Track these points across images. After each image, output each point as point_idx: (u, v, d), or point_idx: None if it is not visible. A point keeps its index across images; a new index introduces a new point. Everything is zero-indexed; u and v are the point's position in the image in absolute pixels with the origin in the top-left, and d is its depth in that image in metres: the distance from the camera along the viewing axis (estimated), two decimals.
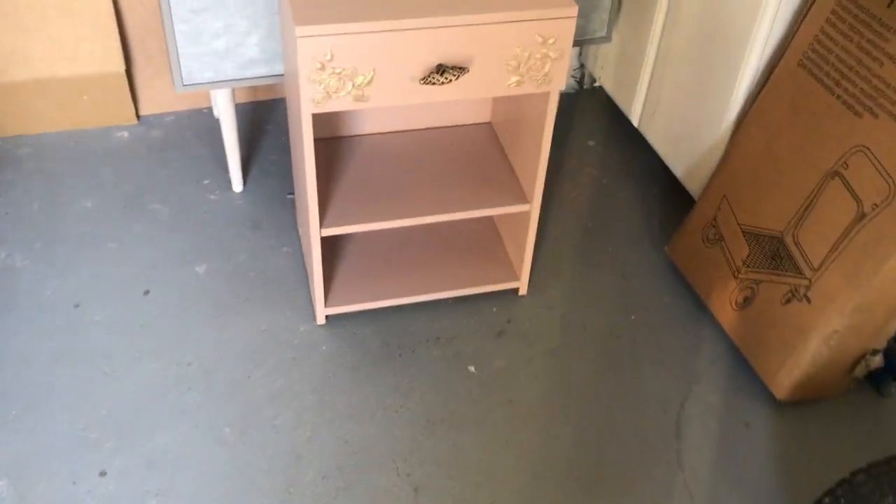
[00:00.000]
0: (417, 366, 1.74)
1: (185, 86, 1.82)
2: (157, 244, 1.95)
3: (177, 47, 1.76)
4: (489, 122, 1.95)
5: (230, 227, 2.00)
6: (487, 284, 1.86)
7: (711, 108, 1.86)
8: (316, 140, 1.86)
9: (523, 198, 1.75)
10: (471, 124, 1.94)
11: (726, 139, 1.83)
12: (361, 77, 1.41)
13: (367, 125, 1.87)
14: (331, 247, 1.89)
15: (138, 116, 2.28)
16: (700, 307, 1.89)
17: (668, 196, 2.18)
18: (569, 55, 1.48)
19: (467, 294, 1.87)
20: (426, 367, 1.74)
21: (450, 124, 1.92)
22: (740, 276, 1.75)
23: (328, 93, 1.41)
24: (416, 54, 1.40)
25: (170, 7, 1.70)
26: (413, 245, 1.92)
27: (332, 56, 1.37)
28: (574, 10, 1.42)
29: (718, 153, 1.86)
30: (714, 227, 1.82)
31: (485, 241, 1.95)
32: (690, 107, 1.94)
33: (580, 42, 2.07)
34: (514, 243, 1.87)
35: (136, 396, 1.65)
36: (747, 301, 1.73)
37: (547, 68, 1.48)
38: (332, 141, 1.86)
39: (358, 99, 1.43)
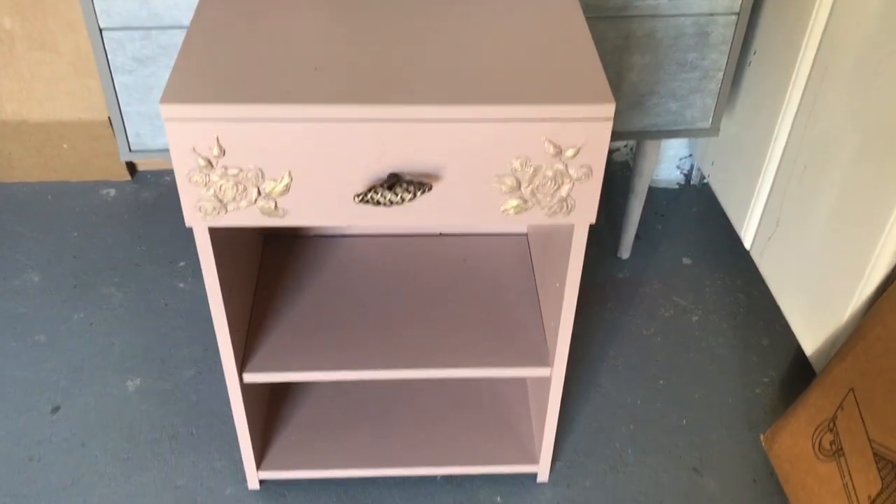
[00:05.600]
0: None
1: (132, 152, 1.41)
2: (94, 341, 1.54)
3: (118, 105, 1.35)
4: (525, 235, 1.42)
5: (189, 329, 1.57)
6: (493, 464, 1.33)
7: (848, 252, 1.26)
8: (269, 236, 1.39)
9: (544, 357, 1.21)
10: (500, 234, 1.42)
11: (864, 306, 1.23)
12: (272, 183, 0.93)
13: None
14: (279, 385, 1.42)
15: (134, 172, 1.91)
16: None
17: (780, 353, 1.57)
18: (600, 175, 0.94)
19: (464, 473, 1.34)
20: None
21: (470, 231, 1.42)
22: None
23: (221, 202, 0.94)
24: (354, 157, 0.92)
25: (104, 51, 1.29)
26: (396, 395, 1.42)
27: (221, 150, 0.90)
28: (610, 110, 0.89)
29: (852, 321, 1.25)
30: (832, 431, 1.22)
31: (504, 399, 1.42)
32: (818, 242, 1.34)
33: (673, 133, 1.51)
34: (540, 409, 1.33)
35: None
36: None
37: (564, 192, 0.95)
38: (292, 240, 1.39)
39: (268, 213, 0.96)
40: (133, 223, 1.79)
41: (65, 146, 1.81)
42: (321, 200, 0.94)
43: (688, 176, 1.96)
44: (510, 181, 0.94)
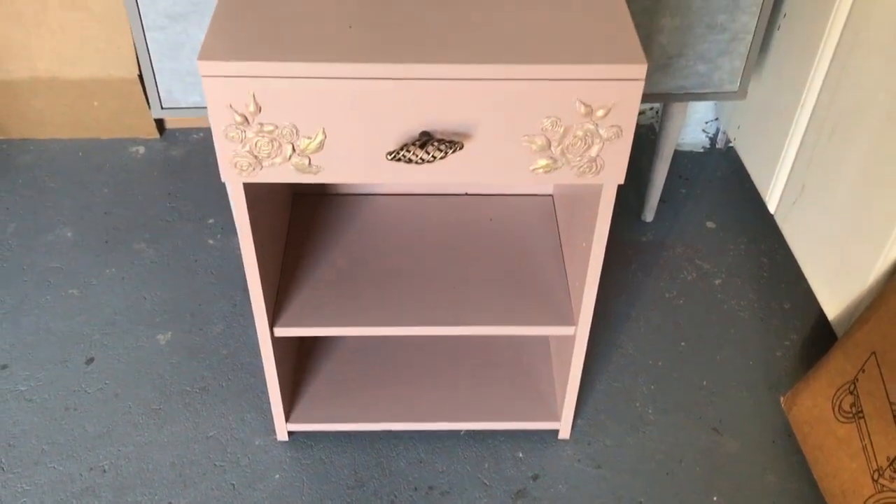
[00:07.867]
0: None
1: (164, 109, 1.43)
2: (126, 296, 1.57)
3: (150, 61, 1.37)
4: (551, 196, 1.44)
5: (219, 284, 1.60)
6: (515, 420, 1.36)
7: (873, 217, 1.26)
8: (298, 195, 1.42)
9: (568, 316, 1.23)
10: (526, 195, 1.43)
11: (888, 271, 1.23)
12: (306, 140, 0.95)
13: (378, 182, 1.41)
14: (308, 341, 1.45)
15: (163, 130, 1.93)
16: (819, 501, 1.30)
17: (802, 317, 1.58)
18: (630, 135, 0.95)
19: (486, 429, 1.38)
20: None
21: (496, 191, 1.43)
22: (882, 481, 1.16)
23: (256, 158, 0.96)
24: (387, 115, 0.93)
25: (137, 8, 1.31)
26: (422, 351, 1.44)
27: (257, 107, 0.92)
28: (642, 70, 0.90)
29: (875, 286, 1.26)
30: (853, 394, 1.23)
31: (527, 358, 1.44)
32: (844, 207, 1.34)
33: (701, 96, 1.51)
34: (563, 368, 1.35)
35: None
36: None
37: (594, 152, 0.96)
38: (321, 198, 1.41)
39: (303, 170, 0.97)
40: (163, 180, 1.82)
41: (95, 104, 1.83)
42: (354, 158, 0.96)
43: (713, 139, 1.95)
44: (540, 141, 0.95)
